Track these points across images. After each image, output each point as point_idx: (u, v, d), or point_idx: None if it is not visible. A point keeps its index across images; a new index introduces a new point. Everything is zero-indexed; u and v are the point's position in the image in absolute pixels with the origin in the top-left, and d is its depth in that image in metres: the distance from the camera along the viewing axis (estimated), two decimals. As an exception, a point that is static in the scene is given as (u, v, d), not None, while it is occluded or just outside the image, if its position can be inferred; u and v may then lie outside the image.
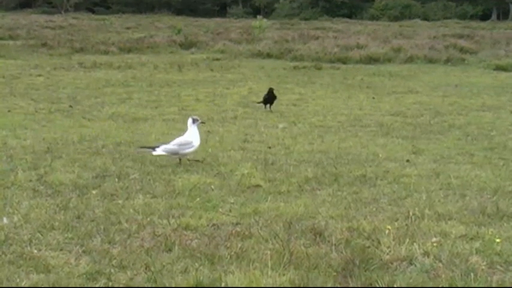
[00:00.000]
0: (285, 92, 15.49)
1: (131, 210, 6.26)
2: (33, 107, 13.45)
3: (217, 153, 8.98)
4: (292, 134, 10.98)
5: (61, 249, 5.26)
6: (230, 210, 6.37)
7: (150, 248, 5.27)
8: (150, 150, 8.30)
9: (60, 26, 41.38)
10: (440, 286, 4.59)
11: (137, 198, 6.69)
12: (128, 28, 42.12)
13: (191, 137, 8.27)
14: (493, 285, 4.62)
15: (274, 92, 13.69)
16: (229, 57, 26.04)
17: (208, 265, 4.93)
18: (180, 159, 8.29)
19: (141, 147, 8.70)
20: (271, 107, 13.59)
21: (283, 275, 4.73)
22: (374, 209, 6.44)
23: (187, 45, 30.20)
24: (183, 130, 11.04)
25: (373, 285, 4.62)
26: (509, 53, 26.20)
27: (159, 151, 8.16)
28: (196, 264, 4.93)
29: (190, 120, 8.39)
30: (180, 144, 8.19)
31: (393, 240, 5.38)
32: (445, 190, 7.25)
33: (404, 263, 5.01)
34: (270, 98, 13.57)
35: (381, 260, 5.03)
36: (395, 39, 31.26)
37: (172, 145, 8.21)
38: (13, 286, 4.53)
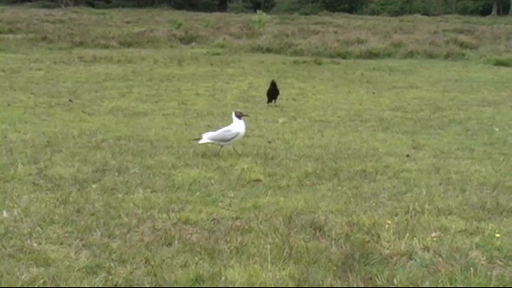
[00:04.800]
0: (285, 87, 15.46)
1: (131, 205, 6.26)
2: (33, 101, 13.44)
3: (217, 147, 8.97)
4: (292, 128, 10.98)
5: (61, 243, 5.26)
6: (230, 205, 6.37)
7: (150, 242, 5.27)
8: None
9: (60, 20, 41.29)
10: (440, 280, 4.60)
11: (137, 193, 6.69)
12: (128, 22, 42.06)
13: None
14: (493, 280, 4.62)
15: (277, 85, 13.61)
16: (229, 52, 26.01)
17: (208, 259, 4.93)
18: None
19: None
20: (276, 101, 13.54)
21: (283, 269, 4.74)
22: (374, 204, 6.44)
23: (187, 40, 30.16)
24: (182, 124, 11.08)
25: (372, 280, 4.62)
26: (509, 48, 26.15)
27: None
28: (196, 258, 4.93)
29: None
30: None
31: (393, 234, 5.38)
32: (445, 185, 7.25)
33: (404, 257, 5.01)
34: (272, 92, 13.50)
35: (381, 254, 5.03)
36: (395, 34, 31.22)
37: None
38: (13, 279, 4.53)
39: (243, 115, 8.82)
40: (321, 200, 6.57)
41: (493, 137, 10.34)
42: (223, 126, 8.99)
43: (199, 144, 8.66)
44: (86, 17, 46.24)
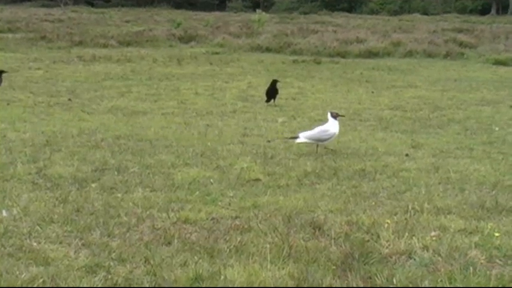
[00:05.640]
0: (284, 86, 15.44)
1: (130, 204, 6.26)
2: (32, 100, 13.43)
3: (216, 146, 8.98)
4: (292, 128, 10.97)
5: (60, 242, 5.26)
6: (229, 204, 6.37)
7: (149, 241, 5.28)
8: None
9: (59, 19, 41.26)
10: (439, 280, 4.60)
11: (136, 192, 6.69)
12: (127, 21, 42.02)
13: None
14: (492, 279, 4.62)
15: (278, 84, 13.59)
16: (228, 51, 26.00)
17: (208, 258, 4.93)
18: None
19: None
20: (275, 101, 13.52)
21: (283, 268, 4.74)
22: (373, 203, 6.45)
23: (186, 39, 30.14)
24: (182, 123, 11.07)
25: (372, 279, 4.63)
26: (508, 47, 26.16)
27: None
28: (196, 257, 4.94)
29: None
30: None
31: (392, 234, 5.38)
32: (444, 184, 7.26)
33: (403, 256, 5.02)
34: (271, 92, 13.49)
35: (380, 253, 5.04)
36: (394, 34, 31.22)
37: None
38: (12, 278, 4.53)
39: (339, 115, 9.09)
40: (320, 199, 6.58)
41: (492, 136, 10.34)
42: (318, 125, 9.16)
43: (297, 143, 8.88)
44: (85, 16, 46.23)
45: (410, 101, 14.36)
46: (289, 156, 8.51)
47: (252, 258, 4.91)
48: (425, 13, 59.66)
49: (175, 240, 5.28)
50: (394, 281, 4.59)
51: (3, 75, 13.79)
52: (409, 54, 25.36)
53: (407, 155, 8.81)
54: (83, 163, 7.85)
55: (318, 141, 8.80)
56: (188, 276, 4.60)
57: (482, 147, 9.51)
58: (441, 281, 4.59)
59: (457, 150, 9.28)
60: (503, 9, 64.68)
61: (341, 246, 5.16)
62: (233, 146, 9.10)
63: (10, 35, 30.27)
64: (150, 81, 17.11)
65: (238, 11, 61.68)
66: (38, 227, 5.54)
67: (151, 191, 6.75)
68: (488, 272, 4.72)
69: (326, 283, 4.55)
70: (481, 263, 4.88)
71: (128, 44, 28.08)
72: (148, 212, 6.01)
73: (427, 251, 5.10)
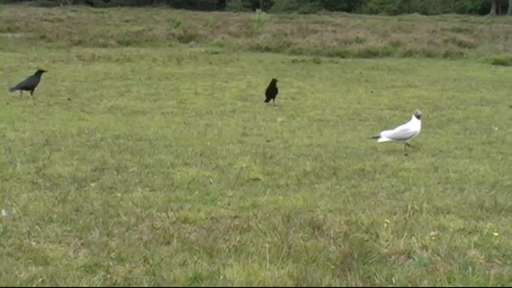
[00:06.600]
0: (283, 86, 15.46)
1: (130, 203, 6.26)
2: (31, 99, 13.43)
3: (215, 146, 8.98)
4: (291, 127, 10.98)
5: (59, 242, 5.26)
6: (229, 204, 6.37)
7: (148, 241, 5.27)
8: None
9: (58, 19, 41.25)
10: (438, 279, 4.60)
11: (136, 191, 6.69)
12: (127, 21, 42.01)
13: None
14: (491, 279, 4.62)
15: (278, 83, 13.60)
16: (228, 51, 26.01)
17: (207, 258, 4.93)
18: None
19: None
20: (274, 100, 13.52)
21: (282, 268, 4.74)
22: (372, 203, 6.44)
23: (186, 39, 30.15)
24: (181, 123, 11.07)
25: (371, 279, 4.63)
26: (507, 47, 26.18)
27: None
28: (195, 257, 4.94)
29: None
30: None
31: (391, 233, 5.38)
32: (444, 184, 7.26)
33: (402, 256, 5.02)
34: (272, 91, 13.49)
35: (379, 253, 5.04)
36: (394, 33, 31.23)
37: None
38: (11, 278, 4.53)
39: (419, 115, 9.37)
40: (319, 199, 6.57)
41: (491, 136, 10.35)
42: (400, 124, 9.49)
43: (379, 142, 9.15)
44: (84, 16, 46.21)
45: (410, 100, 14.37)
46: (289, 156, 8.51)
47: (251, 258, 4.90)
48: (424, 13, 59.65)
49: (175, 240, 5.28)
50: (393, 280, 4.59)
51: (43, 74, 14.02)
52: (409, 54, 25.38)
53: (406, 154, 8.81)
54: (82, 163, 7.84)
55: (400, 139, 9.06)
56: (187, 276, 4.60)
57: (482, 147, 9.52)
58: (440, 280, 4.59)
59: (456, 150, 9.29)
60: (502, 9, 64.67)
61: (340, 246, 5.16)
62: (232, 146, 9.10)
63: (9, 35, 30.27)
64: (150, 80, 17.12)
65: (237, 11, 61.66)
66: (37, 227, 5.54)
67: (150, 191, 6.75)
68: (487, 272, 4.72)
69: (325, 283, 4.55)
70: (480, 263, 4.88)
71: (128, 44, 28.08)
72: (147, 212, 6.01)
73: (426, 250, 5.10)
